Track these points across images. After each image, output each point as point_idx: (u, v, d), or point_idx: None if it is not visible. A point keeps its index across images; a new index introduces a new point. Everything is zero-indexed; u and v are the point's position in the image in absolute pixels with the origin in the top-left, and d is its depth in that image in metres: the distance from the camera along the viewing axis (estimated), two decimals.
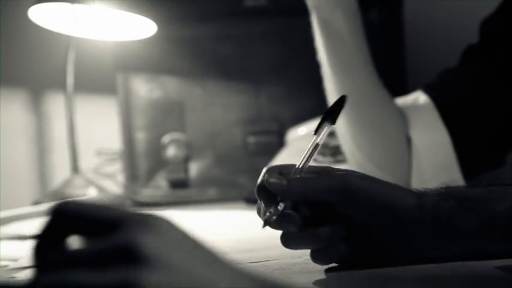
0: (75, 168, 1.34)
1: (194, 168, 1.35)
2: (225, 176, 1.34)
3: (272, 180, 0.54)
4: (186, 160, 1.33)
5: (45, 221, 0.33)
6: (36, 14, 1.11)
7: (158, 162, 1.34)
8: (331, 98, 0.95)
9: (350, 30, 0.89)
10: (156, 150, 1.34)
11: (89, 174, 1.41)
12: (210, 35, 1.34)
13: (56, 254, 0.32)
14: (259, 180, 0.55)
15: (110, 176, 1.51)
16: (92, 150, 1.51)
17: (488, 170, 0.96)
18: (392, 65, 1.33)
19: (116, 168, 1.51)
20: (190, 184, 1.34)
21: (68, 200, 0.34)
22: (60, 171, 1.51)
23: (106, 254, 0.30)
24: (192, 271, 0.31)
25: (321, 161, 1.11)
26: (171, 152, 1.33)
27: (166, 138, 1.34)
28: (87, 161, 1.46)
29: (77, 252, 0.32)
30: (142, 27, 1.16)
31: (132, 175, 1.37)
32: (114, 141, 1.48)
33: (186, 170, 1.33)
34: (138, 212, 0.33)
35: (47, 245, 0.33)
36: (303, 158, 0.56)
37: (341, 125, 0.95)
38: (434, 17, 1.48)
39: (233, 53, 1.34)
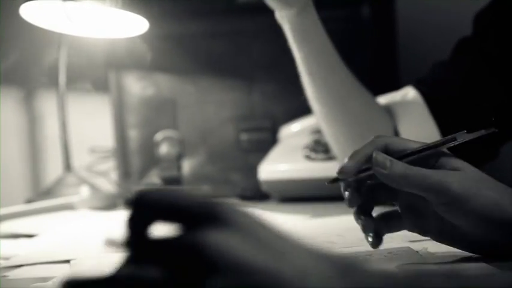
0: (67, 167, 1.34)
1: (187, 166, 1.35)
2: (218, 173, 1.34)
3: (378, 157, 0.53)
4: (179, 157, 1.33)
5: (128, 210, 0.34)
6: (28, 12, 1.10)
7: (151, 159, 1.34)
8: (313, 104, 0.95)
9: (321, 32, 0.90)
10: (148, 147, 1.34)
11: (82, 173, 1.40)
12: (203, 32, 1.34)
13: (139, 244, 0.34)
14: (365, 149, 0.55)
15: (103, 173, 1.51)
16: (84, 148, 1.51)
17: (481, 163, 0.96)
18: (385, 60, 1.33)
19: (109, 166, 1.51)
20: (183, 181, 1.33)
21: (149, 189, 0.35)
22: (52, 170, 1.50)
23: (179, 251, 0.32)
24: (260, 268, 0.31)
25: (313, 158, 1.11)
26: (163, 149, 1.32)
27: (159, 136, 1.33)
28: (80, 159, 1.45)
29: (153, 246, 0.33)
30: (135, 25, 1.16)
31: (125, 173, 1.36)
32: (106, 139, 1.47)
33: (179, 168, 1.33)
34: (212, 201, 0.34)
35: (132, 233, 0.34)
36: (425, 145, 0.55)
37: (326, 127, 0.95)
38: (427, 12, 1.48)
39: (226, 50, 1.33)
